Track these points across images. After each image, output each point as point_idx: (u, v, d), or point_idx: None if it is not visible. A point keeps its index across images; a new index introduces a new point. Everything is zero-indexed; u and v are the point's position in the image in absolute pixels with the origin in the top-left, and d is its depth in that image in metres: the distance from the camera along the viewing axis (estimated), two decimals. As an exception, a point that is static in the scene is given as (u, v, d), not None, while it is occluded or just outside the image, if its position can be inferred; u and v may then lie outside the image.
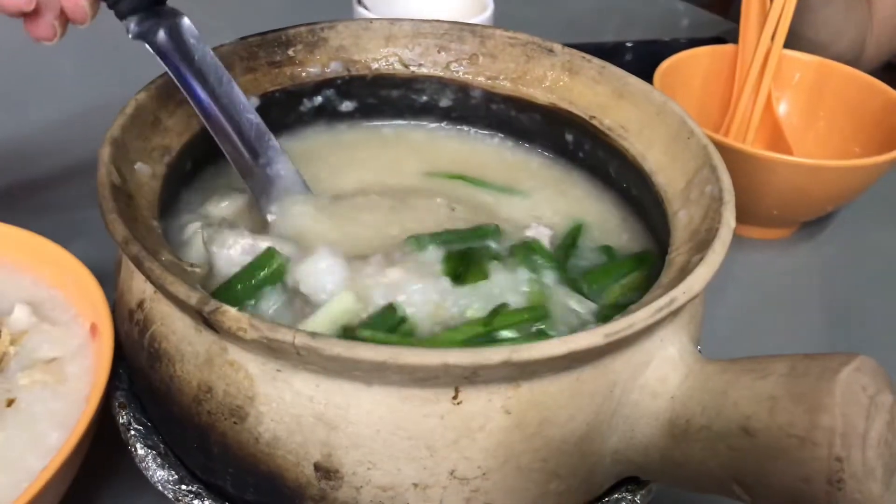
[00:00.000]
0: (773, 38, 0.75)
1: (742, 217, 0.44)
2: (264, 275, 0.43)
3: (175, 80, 0.46)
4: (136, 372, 0.43)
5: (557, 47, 0.56)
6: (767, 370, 0.36)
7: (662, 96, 0.51)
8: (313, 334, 0.33)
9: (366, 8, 0.76)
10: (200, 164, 0.52)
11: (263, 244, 0.45)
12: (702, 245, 0.41)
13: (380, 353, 0.33)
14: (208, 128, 0.48)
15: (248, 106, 0.49)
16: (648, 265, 0.50)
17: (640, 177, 0.50)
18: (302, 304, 0.43)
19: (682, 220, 0.45)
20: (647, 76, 0.95)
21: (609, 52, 1.04)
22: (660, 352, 0.40)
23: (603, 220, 0.55)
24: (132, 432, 0.44)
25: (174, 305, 0.38)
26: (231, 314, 0.34)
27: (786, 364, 0.36)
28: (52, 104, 0.87)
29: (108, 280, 0.47)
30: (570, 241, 0.52)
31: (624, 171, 0.53)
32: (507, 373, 0.34)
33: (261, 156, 0.49)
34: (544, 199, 0.56)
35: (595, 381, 0.37)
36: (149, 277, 0.36)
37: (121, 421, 0.44)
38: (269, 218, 0.49)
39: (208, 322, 0.35)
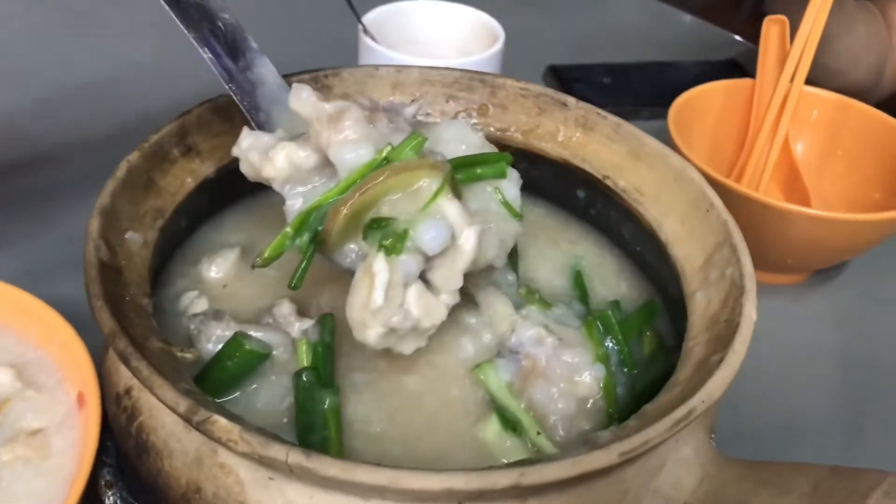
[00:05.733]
0: (792, 79, 0.72)
1: (755, 263, 0.43)
2: (232, 365, 0.42)
3: None
4: (124, 455, 0.41)
5: (571, 101, 0.53)
6: (789, 485, 0.34)
7: (681, 161, 0.49)
8: (308, 453, 0.31)
9: (372, 38, 0.73)
10: (195, 222, 0.50)
11: (247, 331, 0.43)
12: (721, 339, 0.39)
13: (378, 477, 0.31)
14: (185, 31, 0.44)
15: (222, 6, 0.46)
16: (657, 313, 0.50)
17: (657, 246, 0.48)
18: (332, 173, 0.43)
19: (700, 303, 0.43)
20: (658, 97, 0.93)
21: (619, 73, 1.02)
22: (674, 453, 0.38)
23: (600, 270, 0.53)
24: (119, 514, 0.42)
25: (162, 404, 0.36)
26: (221, 424, 0.32)
27: (809, 480, 0.34)
28: (51, 109, 0.85)
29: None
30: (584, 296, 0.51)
31: (638, 238, 0.51)
32: (515, 493, 0.32)
33: (239, 59, 0.46)
34: (538, 256, 0.54)
35: (605, 491, 0.36)
36: (136, 377, 0.34)
37: (107, 502, 0.43)
38: (262, 117, 0.47)
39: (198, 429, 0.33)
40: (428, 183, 0.41)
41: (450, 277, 0.41)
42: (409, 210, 0.41)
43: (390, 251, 0.39)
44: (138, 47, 0.98)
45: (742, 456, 0.40)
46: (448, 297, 0.41)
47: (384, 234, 0.40)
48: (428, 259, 0.41)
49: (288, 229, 0.41)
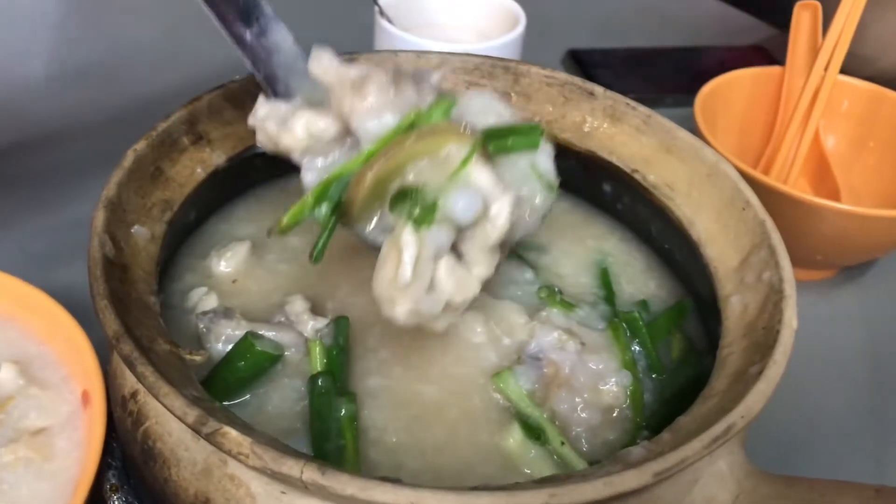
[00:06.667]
0: (826, 69, 0.70)
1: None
2: (243, 367, 0.40)
3: None
4: (130, 460, 0.40)
5: (599, 90, 0.51)
6: (832, 507, 0.32)
7: (715, 155, 0.46)
8: (323, 469, 0.29)
9: (389, 21, 0.71)
10: (205, 214, 0.48)
11: (258, 330, 0.41)
12: (760, 348, 0.37)
13: (399, 497, 0.29)
14: None
15: None
16: (687, 314, 0.48)
17: (688, 245, 0.46)
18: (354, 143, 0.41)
19: (736, 307, 0.41)
20: (682, 84, 0.90)
21: (640, 58, 0.99)
22: (708, 467, 0.36)
23: (627, 268, 0.51)
24: (124, 519, 0.40)
25: (169, 411, 0.34)
26: (232, 437, 0.30)
27: (854, 501, 0.32)
28: (55, 90, 0.83)
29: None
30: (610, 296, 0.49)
31: (668, 235, 0.48)
32: (543, 514, 0.31)
33: (253, 24, 0.43)
34: (562, 252, 0.51)
35: (637, 509, 0.34)
36: (142, 383, 0.32)
37: (112, 506, 0.41)
38: (280, 88, 0.44)
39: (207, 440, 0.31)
40: (457, 149, 0.38)
41: (483, 252, 0.39)
42: (436, 179, 0.38)
43: (420, 222, 0.37)
44: (146, 28, 0.95)
45: (765, 462, 0.38)
46: (481, 271, 0.39)
47: (412, 204, 0.38)
48: (458, 230, 0.38)
49: (308, 197, 0.39)
